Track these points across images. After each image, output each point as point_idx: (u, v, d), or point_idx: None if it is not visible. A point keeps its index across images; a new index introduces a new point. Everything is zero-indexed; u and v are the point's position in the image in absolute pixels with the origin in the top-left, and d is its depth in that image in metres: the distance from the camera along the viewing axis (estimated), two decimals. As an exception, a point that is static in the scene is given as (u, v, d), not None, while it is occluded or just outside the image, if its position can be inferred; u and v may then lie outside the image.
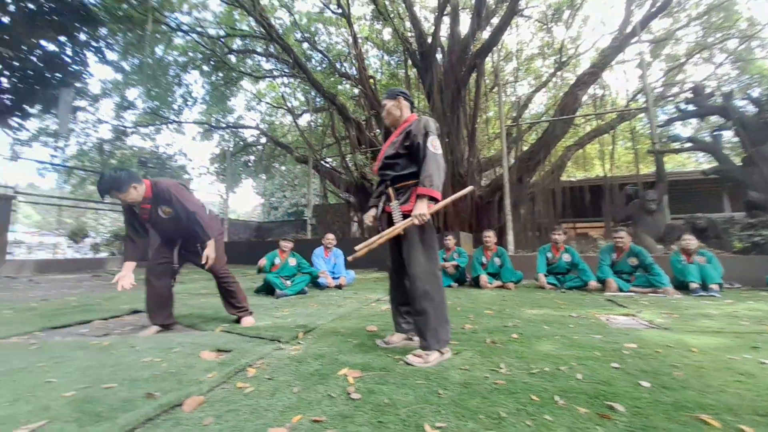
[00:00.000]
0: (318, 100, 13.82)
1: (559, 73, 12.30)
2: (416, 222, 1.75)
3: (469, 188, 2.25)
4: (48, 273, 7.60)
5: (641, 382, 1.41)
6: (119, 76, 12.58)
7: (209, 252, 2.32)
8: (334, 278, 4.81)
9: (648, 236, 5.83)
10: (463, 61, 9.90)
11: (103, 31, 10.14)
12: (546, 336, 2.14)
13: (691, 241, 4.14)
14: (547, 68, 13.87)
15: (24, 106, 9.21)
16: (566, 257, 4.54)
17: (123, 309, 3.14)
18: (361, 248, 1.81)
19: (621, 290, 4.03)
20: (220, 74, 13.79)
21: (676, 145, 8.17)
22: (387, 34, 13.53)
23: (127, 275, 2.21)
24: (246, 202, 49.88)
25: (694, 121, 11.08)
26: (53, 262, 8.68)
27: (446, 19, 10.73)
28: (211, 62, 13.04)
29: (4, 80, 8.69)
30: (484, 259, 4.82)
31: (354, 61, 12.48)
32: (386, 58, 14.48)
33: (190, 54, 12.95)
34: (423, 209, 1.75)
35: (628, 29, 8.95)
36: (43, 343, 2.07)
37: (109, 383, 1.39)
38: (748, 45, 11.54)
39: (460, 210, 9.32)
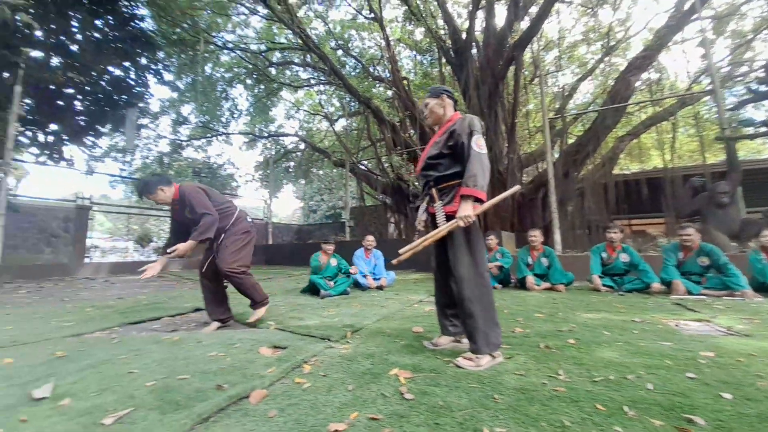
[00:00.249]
0: (353, 104, 14.12)
1: (606, 58, 11.43)
2: (461, 224, 1.72)
3: (516, 188, 2.17)
4: (120, 274, 8.48)
5: (722, 393, 1.29)
6: (175, 95, 13.79)
7: (180, 246, 2.38)
8: (374, 279, 4.87)
9: (720, 233, 5.23)
10: (500, 55, 9.56)
11: (161, 54, 11.17)
12: (607, 342, 2.00)
13: (773, 237, 3.65)
14: (592, 54, 12.98)
15: (96, 126, 10.38)
16: (624, 257, 4.20)
17: (187, 307, 3.42)
18: (406, 251, 1.81)
19: (690, 293, 3.66)
20: (262, 86, 14.59)
21: (749, 130, 7.25)
22: (419, 34, 13.49)
23: (155, 267, 2.44)
24: (286, 206, 52.21)
25: None
26: (124, 264, 9.67)
27: (480, 14, 10.45)
28: (254, 76, 13.84)
29: (78, 104, 9.87)
30: (529, 260, 4.61)
31: (387, 64, 12.58)
32: (419, 58, 14.43)
33: (235, 70, 13.86)
34: (468, 210, 1.71)
35: (686, 6, 8.10)
36: (122, 337, 2.31)
37: (183, 375, 1.52)
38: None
39: (501, 209, 8.99)
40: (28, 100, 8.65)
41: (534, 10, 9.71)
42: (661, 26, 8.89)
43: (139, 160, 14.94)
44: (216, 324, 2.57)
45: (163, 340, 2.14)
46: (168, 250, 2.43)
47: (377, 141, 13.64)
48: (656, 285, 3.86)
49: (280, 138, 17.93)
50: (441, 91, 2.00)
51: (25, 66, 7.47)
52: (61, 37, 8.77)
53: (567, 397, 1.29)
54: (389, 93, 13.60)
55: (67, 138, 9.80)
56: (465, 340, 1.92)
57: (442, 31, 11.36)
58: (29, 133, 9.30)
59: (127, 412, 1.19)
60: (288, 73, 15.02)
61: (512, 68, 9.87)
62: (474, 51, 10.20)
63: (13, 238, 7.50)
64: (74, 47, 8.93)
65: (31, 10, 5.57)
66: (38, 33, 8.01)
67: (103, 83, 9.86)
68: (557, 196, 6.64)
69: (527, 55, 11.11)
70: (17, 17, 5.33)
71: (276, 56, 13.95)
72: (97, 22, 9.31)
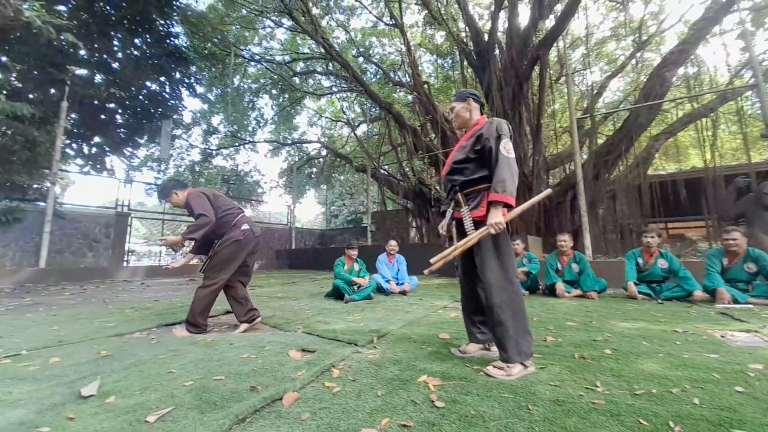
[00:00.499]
0: (373, 110, 14.27)
1: (638, 54, 10.94)
2: (492, 231, 1.69)
3: (547, 191, 2.11)
4: (154, 277, 8.93)
5: (775, 408, 1.20)
6: (205, 106, 14.50)
7: (169, 238, 2.76)
8: (398, 284, 4.86)
9: (769, 237, 4.85)
10: (524, 55, 9.38)
11: (193, 68, 11.81)
12: (647, 353, 1.90)
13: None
14: (622, 50, 12.49)
15: (135, 137, 11.08)
16: (662, 263, 3.97)
17: (218, 309, 3.54)
18: (437, 260, 1.79)
19: (736, 301, 3.41)
20: (286, 96, 15.07)
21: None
22: (439, 37, 13.48)
23: (179, 262, 2.84)
24: (309, 210, 53.23)
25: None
26: (158, 268, 10.18)
27: (502, 14, 10.31)
28: (279, 85, 14.31)
29: (119, 117, 10.58)
30: (559, 266, 4.45)
31: (407, 69, 12.64)
32: (439, 61, 14.41)
33: (261, 80, 14.41)
34: (498, 217, 1.68)
35: (724, -2, 7.62)
36: (160, 338, 2.43)
37: (218, 375, 1.58)
38: None
39: (526, 212, 8.73)
40: (74, 115, 9.36)
41: (559, 7, 9.47)
42: (697, 19, 8.42)
43: (172, 169, 15.79)
44: (244, 326, 2.66)
45: (198, 342, 2.23)
46: (159, 239, 2.72)
47: (398, 146, 13.69)
48: (698, 293, 3.63)
49: (304, 145, 18.41)
50: (467, 95, 1.98)
51: (71, 83, 8.10)
52: (104, 56, 9.45)
53: (606, 410, 1.23)
54: (410, 98, 13.65)
55: (108, 149, 10.51)
56: (494, 348, 1.88)
57: (463, 34, 11.30)
58: (75, 146, 10.05)
59: (169, 411, 1.24)
60: (311, 81, 15.46)
61: (537, 68, 9.65)
62: (497, 52, 10.06)
63: (58, 243, 8.08)
64: (116, 65, 9.60)
65: (74, 31, 6.06)
66: (82, 52, 8.66)
67: (141, 97, 10.54)
68: (587, 199, 6.39)
69: (552, 54, 10.82)
70: (63, 37, 5.79)
71: (300, 66, 14.39)
72: (136, 41, 9.97)
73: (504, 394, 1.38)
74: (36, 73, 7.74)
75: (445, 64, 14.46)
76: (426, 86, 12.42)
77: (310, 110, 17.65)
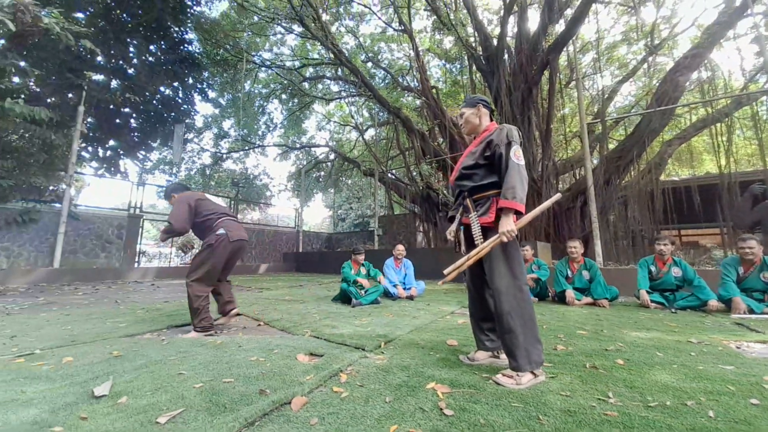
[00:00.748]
0: (382, 114, 14.34)
1: (650, 58, 10.81)
2: (505, 239, 1.68)
3: (557, 196, 2.09)
4: (164, 278, 9.05)
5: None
6: (217, 111, 14.75)
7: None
8: (405, 289, 4.84)
9: (788, 246, 4.69)
10: (533, 60, 9.34)
11: (205, 74, 12.05)
12: (661, 364, 1.85)
13: None
14: (634, 55, 12.35)
15: (148, 141, 11.32)
16: (676, 271, 3.88)
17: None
18: (451, 271, 1.78)
19: (752, 311, 3.31)
20: (296, 100, 15.24)
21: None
22: (448, 42, 13.53)
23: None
24: (316, 214, 53.52)
25: None
26: (168, 269, 10.32)
27: (512, 19, 10.30)
28: (289, 90, 14.50)
29: (133, 121, 10.83)
30: (569, 272, 4.38)
31: (416, 74, 12.69)
32: (448, 66, 14.45)
33: (272, 85, 14.62)
34: (510, 225, 1.67)
35: (737, 2, 7.50)
36: (170, 339, 2.46)
37: (228, 378, 1.59)
38: None
39: (535, 218, 8.66)
40: (90, 119, 9.61)
41: (569, 12, 9.43)
42: (711, 23, 8.31)
43: (183, 172, 16.06)
44: (222, 318, 2.90)
45: (208, 343, 2.25)
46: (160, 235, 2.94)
47: (406, 150, 13.71)
48: (713, 302, 3.53)
49: (312, 149, 18.56)
50: (477, 101, 1.98)
51: (88, 88, 8.32)
52: (120, 61, 9.70)
53: (619, 422, 1.21)
54: (418, 102, 13.69)
55: (123, 152, 10.74)
56: (503, 356, 1.86)
57: (472, 39, 11.32)
58: (90, 149, 10.30)
59: (179, 412, 1.26)
60: (320, 86, 15.62)
61: (546, 72, 9.60)
62: (506, 57, 10.05)
63: (72, 244, 8.25)
64: (131, 70, 9.85)
65: (92, 38, 6.25)
66: (99, 58, 8.90)
67: (154, 102, 10.78)
68: (598, 205, 6.30)
69: (562, 59, 10.75)
70: (81, 44, 5.96)
71: (309, 71, 14.57)
72: (151, 47, 10.22)
73: (514, 403, 1.36)
74: (54, 78, 7.98)
75: (454, 69, 14.49)
76: (434, 91, 12.45)
77: (318, 114, 17.84)
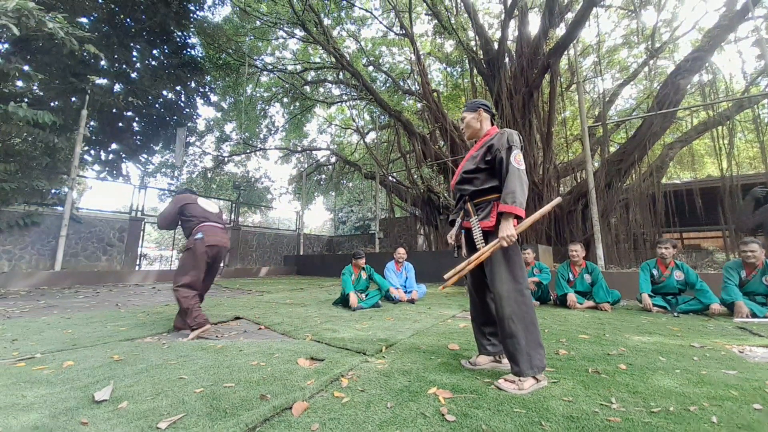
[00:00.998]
0: (383, 117, 14.38)
1: (651, 62, 10.84)
2: (505, 244, 1.68)
3: (557, 200, 2.09)
4: (165, 281, 9.04)
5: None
6: (219, 114, 14.81)
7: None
8: (406, 292, 4.83)
9: (791, 249, 4.67)
10: (534, 63, 9.37)
11: (208, 78, 12.12)
12: (663, 369, 1.84)
13: None
14: (634, 58, 12.38)
15: (150, 144, 11.37)
16: (678, 275, 3.86)
17: (227, 315, 3.58)
18: (451, 276, 1.78)
19: (755, 315, 3.29)
20: (297, 104, 15.30)
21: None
22: (449, 46, 13.58)
23: None
24: (317, 217, 53.54)
25: None
26: (169, 272, 10.32)
27: (512, 23, 10.35)
28: (290, 94, 14.56)
29: (136, 125, 10.89)
30: (570, 276, 4.37)
31: (417, 77, 12.74)
32: (449, 70, 14.50)
33: (273, 89, 14.68)
34: (510, 229, 1.68)
35: (738, 5, 7.53)
36: (171, 343, 2.45)
37: (228, 382, 1.58)
38: None
39: (536, 221, 8.64)
40: (93, 123, 9.66)
41: (570, 16, 9.47)
42: (711, 26, 8.33)
43: (185, 176, 16.10)
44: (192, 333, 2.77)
45: (208, 348, 2.25)
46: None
47: (407, 153, 13.74)
48: (716, 306, 3.52)
49: (313, 152, 18.61)
50: (478, 105, 1.98)
51: (91, 92, 8.38)
52: (123, 66, 9.77)
53: (622, 428, 1.20)
54: (419, 106, 13.73)
55: (125, 156, 10.79)
56: (505, 361, 1.85)
57: (472, 43, 11.38)
58: (93, 152, 10.35)
59: (180, 417, 1.25)
60: (322, 90, 15.69)
61: (547, 76, 9.62)
62: (507, 60, 10.08)
63: (74, 247, 8.27)
64: (134, 74, 9.91)
65: (95, 42, 6.30)
66: (103, 62, 8.97)
67: (157, 106, 10.84)
68: (599, 208, 6.29)
69: (563, 62, 10.78)
70: (85, 48, 6.00)
71: (311, 75, 14.63)
72: (154, 51, 10.30)
73: (516, 408, 1.36)
74: (57, 82, 8.03)
75: (455, 73, 14.54)
76: (435, 94, 12.49)
77: (320, 118, 17.91)
